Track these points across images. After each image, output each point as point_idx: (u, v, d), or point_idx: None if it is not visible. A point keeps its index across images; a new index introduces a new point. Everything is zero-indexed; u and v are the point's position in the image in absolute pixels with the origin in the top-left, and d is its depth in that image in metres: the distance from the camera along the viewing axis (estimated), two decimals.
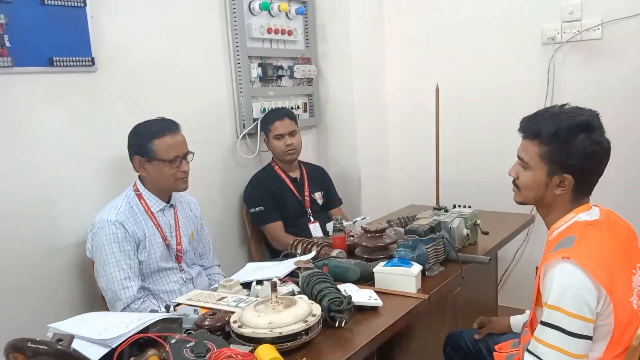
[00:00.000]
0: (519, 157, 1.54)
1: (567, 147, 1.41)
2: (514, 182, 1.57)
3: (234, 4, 2.69)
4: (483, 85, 3.07)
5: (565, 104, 1.50)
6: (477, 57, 3.07)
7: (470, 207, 2.28)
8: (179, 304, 1.59)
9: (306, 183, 2.84)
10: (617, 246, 1.42)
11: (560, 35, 2.79)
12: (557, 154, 1.43)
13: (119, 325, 1.34)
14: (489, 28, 3.01)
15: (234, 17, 2.69)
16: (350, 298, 1.52)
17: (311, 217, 2.78)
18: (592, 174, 1.46)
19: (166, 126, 2.04)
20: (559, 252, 1.36)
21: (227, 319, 1.42)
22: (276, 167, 2.81)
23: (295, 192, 2.79)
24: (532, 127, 1.48)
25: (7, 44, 1.87)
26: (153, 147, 2.00)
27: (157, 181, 2.05)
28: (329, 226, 2.33)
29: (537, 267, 1.52)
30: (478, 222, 2.22)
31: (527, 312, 1.75)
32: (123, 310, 1.89)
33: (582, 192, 1.48)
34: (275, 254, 2.57)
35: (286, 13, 2.97)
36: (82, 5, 2.08)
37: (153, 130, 2.02)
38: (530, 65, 2.91)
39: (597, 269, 1.31)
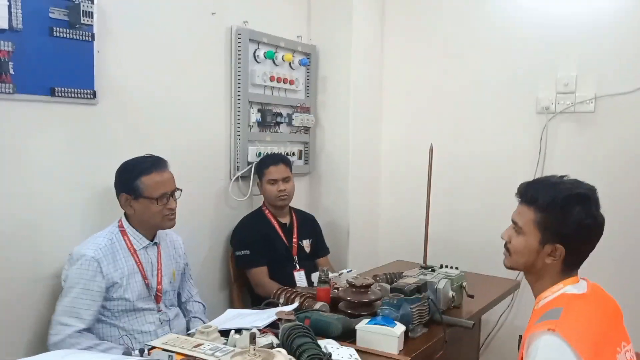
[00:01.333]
0: (513, 221, 1.55)
1: (563, 216, 1.43)
2: (505, 245, 1.57)
3: (239, 51, 2.74)
4: (477, 148, 3.12)
5: (565, 176, 1.52)
6: (473, 121, 3.14)
7: (457, 268, 2.27)
8: (153, 348, 1.55)
9: (295, 229, 2.83)
10: (603, 322, 1.42)
11: (555, 105, 2.86)
12: (552, 222, 1.44)
13: None
14: (486, 93, 3.09)
15: (239, 63, 2.75)
16: (330, 356, 1.49)
17: (297, 265, 2.76)
18: (584, 247, 1.47)
19: (153, 163, 2.04)
20: (545, 323, 1.35)
21: None
22: (267, 211, 2.80)
23: (284, 237, 2.78)
24: (529, 193, 1.50)
25: (11, 71, 1.88)
26: (140, 185, 1.99)
27: (143, 219, 2.04)
28: (314, 276, 2.31)
29: (520, 336, 1.51)
30: (464, 284, 2.21)
31: None
32: (51, 345, 1.84)
33: (572, 264, 1.48)
34: (257, 300, 2.53)
35: (289, 63, 3.04)
36: (90, 39, 2.12)
37: (140, 168, 2.01)
38: (523, 132, 2.97)
39: (581, 344, 1.29)
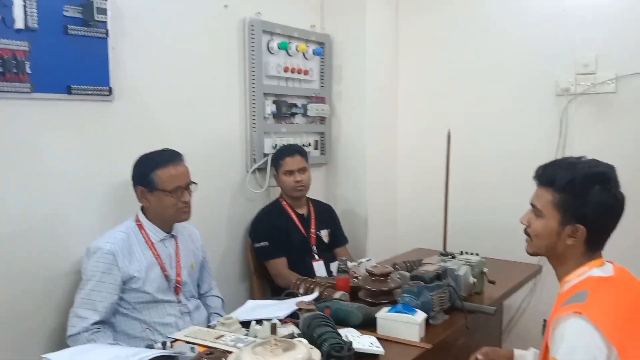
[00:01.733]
0: (532, 205, 1.52)
1: (582, 196, 1.41)
2: (525, 231, 1.55)
3: (252, 43, 2.74)
4: (495, 132, 3.08)
5: (582, 156, 1.50)
6: (490, 105, 3.09)
7: (477, 254, 2.25)
8: (175, 340, 1.57)
9: (313, 220, 2.83)
10: (630, 305, 1.39)
11: (574, 87, 2.81)
12: (571, 203, 1.42)
13: None
14: (503, 76, 3.04)
15: (252, 55, 2.74)
16: (351, 344, 1.49)
17: (316, 255, 2.76)
18: (605, 227, 1.45)
19: (169, 157, 2.06)
20: (571, 306, 1.33)
21: (224, 359, 1.39)
22: (284, 202, 2.80)
23: (302, 228, 2.78)
24: (547, 174, 1.48)
25: (28, 71, 1.90)
26: (155, 178, 2.01)
27: (158, 212, 2.06)
28: (333, 266, 2.31)
29: (545, 320, 1.49)
30: (485, 270, 2.19)
31: (532, 349, 1.70)
32: (70, 337, 1.87)
33: (594, 244, 1.46)
34: (277, 291, 2.54)
35: (303, 53, 3.03)
36: (105, 36, 2.13)
37: (156, 161, 2.04)
38: (542, 115, 2.92)
39: (609, 327, 1.27)
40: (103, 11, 2.07)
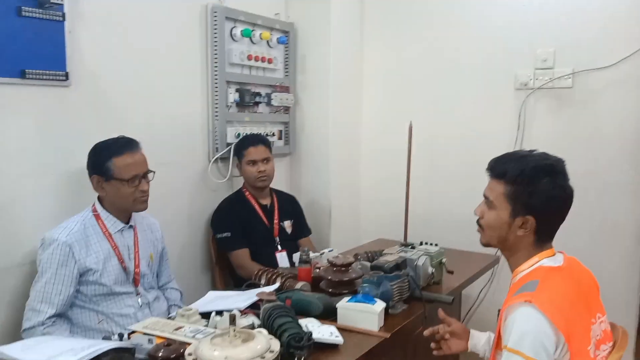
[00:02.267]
0: (484, 196, 1.57)
1: (531, 188, 1.45)
2: (478, 222, 1.60)
3: (215, 29, 2.69)
4: (456, 125, 3.13)
5: (534, 150, 1.55)
6: (452, 98, 3.13)
7: (437, 245, 2.29)
8: (133, 332, 1.54)
9: (276, 211, 2.82)
10: (578, 294, 1.44)
11: (533, 81, 2.87)
12: (521, 194, 1.46)
13: (68, 352, 1.30)
14: (464, 70, 3.08)
15: (215, 42, 2.70)
16: (311, 334, 1.50)
17: (279, 246, 2.75)
18: (554, 218, 1.50)
19: (125, 144, 2.00)
20: (522, 295, 1.38)
21: (182, 350, 1.37)
22: (247, 193, 2.78)
23: (265, 219, 2.77)
24: (499, 167, 1.53)
25: None
26: (111, 166, 1.96)
27: (115, 201, 2.01)
28: (296, 257, 2.31)
29: (499, 310, 1.53)
30: (444, 260, 2.23)
31: (488, 332, 1.74)
32: (24, 331, 1.84)
33: (544, 235, 1.51)
34: (239, 282, 2.53)
35: (267, 41, 3.00)
36: (61, 19, 2.06)
37: (112, 149, 1.98)
38: (502, 108, 2.97)
39: (557, 315, 1.32)
40: None
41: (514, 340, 1.33)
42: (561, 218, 1.50)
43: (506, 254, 1.57)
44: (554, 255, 1.51)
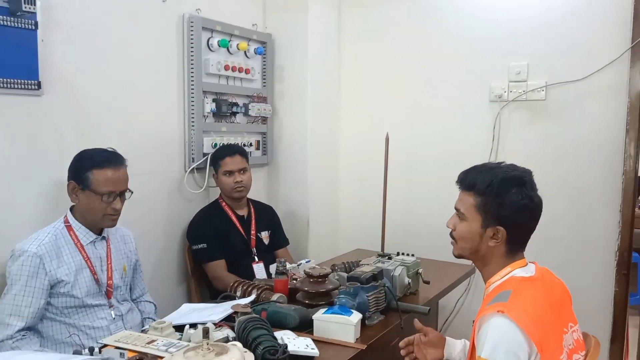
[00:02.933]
0: (456, 209, 1.59)
1: (500, 199, 1.47)
2: (451, 234, 1.61)
3: (191, 39, 2.68)
4: (432, 136, 3.15)
5: (502, 162, 1.58)
6: (428, 109, 3.16)
7: (413, 255, 2.30)
8: (105, 346, 1.51)
9: (253, 222, 2.80)
10: (551, 304, 1.45)
11: (507, 94, 2.92)
12: (491, 205, 1.48)
13: None
14: (441, 82, 3.12)
15: (191, 51, 2.69)
16: (286, 347, 1.48)
17: (256, 257, 2.73)
18: (524, 228, 1.51)
19: (109, 158, 1.97)
20: (495, 305, 1.38)
21: None
22: (223, 203, 2.76)
23: (242, 230, 2.74)
24: (468, 179, 1.55)
25: None
26: (90, 176, 1.93)
27: (85, 212, 1.98)
28: (273, 268, 2.29)
29: (473, 321, 1.54)
30: (420, 271, 2.24)
31: (463, 340, 1.75)
32: None
33: (515, 245, 1.52)
34: (215, 294, 2.49)
35: (245, 52, 2.99)
36: (34, 28, 2.03)
37: (95, 160, 1.95)
38: (477, 120, 3.01)
39: (530, 325, 1.33)
40: (32, 1, 1.97)
41: (488, 351, 1.34)
42: (531, 228, 1.52)
43: (479, 265, 1.59)
44: (526, 265, 1.53)
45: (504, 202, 1.47)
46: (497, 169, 1.52)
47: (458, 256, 1.61)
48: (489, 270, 1.54)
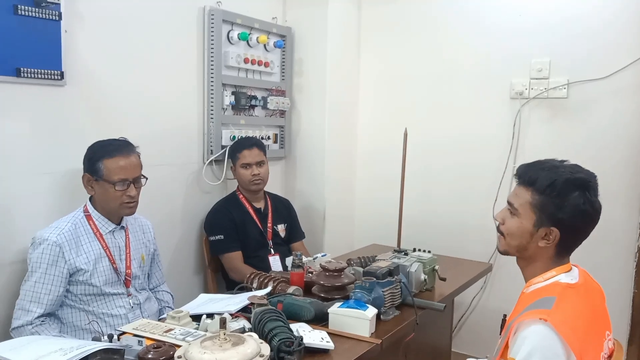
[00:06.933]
0: (508, 203, 1.52)
1: (561, 200, 1.41)
2: (498, 228, 1.55)
3: (212, 32, 2.70)
4: (451, 132, 3.13)
5: (565, 160, 1.51)
6: (447, 105, 3.14)
7: (429, 251, 2.29)
8: (123, 333, 1.53)
9: (270, 214, 2.81)
10: (591, 312, 1.42)
11: (528, 91, 2.88)
12: (549, 205, 1.42)
13: (57, 352, 1.29)
14: (461, 78, 3.10)
15: (212, 44, 2.70)
16: (302, 339, 1.49)
17: (272, 250, 2.75)
18: (579, 233, 1.45)
19: (119, 147, 1.99)
20: (537, 312, 1.34)
21: (171, 353, 1.37)
22: (241, 196, 2.78)
23: (258, 222, 2.76)
24: (529, 174, 1.47)
25: None
26: (101, 167, 1.95)
27: (102, 202, 2.00)
28: (289, 261, 2.30)
29: (505, 315, 1.50)
30: (436, 267, 2.23)
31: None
32: (13, 330, 1.84)
33: (565, 249, 1.47)
34: (231, 285, 2.52)
35: (264, 45, 3.00)
36: (57, 18, 2.05)
37: (106, 150, 1.97)
38: (497, 117, 2.98)
39: (571, 336, 1.29)
40: None
41: (522, 355, 1.30)
42: (586, 234, 1.46)
43: (522, 264, 1.53)
44: (570, 270, 1.47)
45: (563, 205, 1.40)
46: (561, 168, 1.45)
47: (503, 252, 1.55)
48: (532, 270, 1.49)
